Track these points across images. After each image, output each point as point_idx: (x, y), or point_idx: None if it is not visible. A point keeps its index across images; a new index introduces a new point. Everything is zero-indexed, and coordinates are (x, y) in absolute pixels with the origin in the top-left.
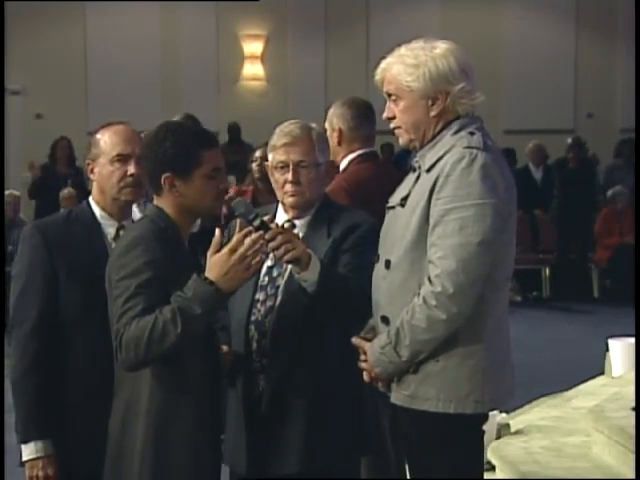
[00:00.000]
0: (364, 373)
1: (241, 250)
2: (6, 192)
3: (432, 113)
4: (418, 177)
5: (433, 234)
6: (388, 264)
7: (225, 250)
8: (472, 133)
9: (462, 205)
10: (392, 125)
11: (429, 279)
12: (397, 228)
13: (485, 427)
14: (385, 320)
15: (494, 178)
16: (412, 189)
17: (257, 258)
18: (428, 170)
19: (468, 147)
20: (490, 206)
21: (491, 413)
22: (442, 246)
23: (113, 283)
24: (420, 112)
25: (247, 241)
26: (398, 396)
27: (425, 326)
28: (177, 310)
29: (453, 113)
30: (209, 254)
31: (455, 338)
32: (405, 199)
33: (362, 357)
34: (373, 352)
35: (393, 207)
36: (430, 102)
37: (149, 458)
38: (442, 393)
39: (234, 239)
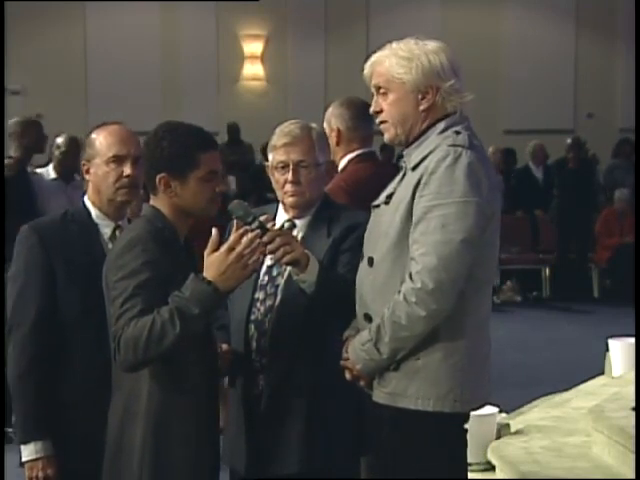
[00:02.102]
0: (346, 372)
1: (238, 249)
2: None
3: (421, 107)
4: (404, 175)
5: (415, 231)
6: (371, 261)
7: (222, 249)
8: (458, 132)
9: (445, 202)
10: (378, 120)
11: (410, 275)
12: (381, 226)
13: (485, 427)
14: (368, 317)
15: (478, 177)
16: (397, 187)
17: (254, 257)
18: (413, 168)
19: (453, 145)
20: (473, 204)
21: (491, 413)
22: (424, 243)
23: (111, 284)
24: (409, 105)
25: (244, 240)
26: (379, 394)
27: (405, 323)
28: (175, 310)
29: (442, 110)
30: (206, 253)
31: (436, 336)
32: (390, 197)
33: (344, 355)
34: (354, 349)
35: (378, 206)
36: (420, 96)
37: (148, 457)
38: (422, 391)
39: (231, 238)
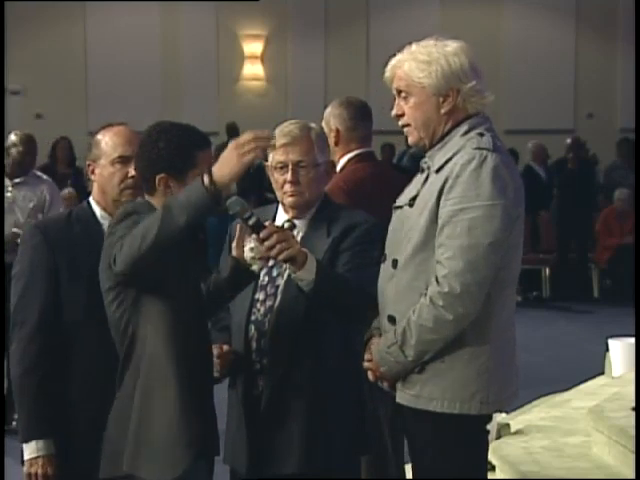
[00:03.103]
0: (369, 373)
1: (241, 138)
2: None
3: (442, 110)
4: (427, 178)
5: (441, 234)
6: (395, 264)
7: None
8: (481, 134)
9: (471, 206)
10: (401, 123)
11: (436, 279)
12: (405, 228)
13: None
14: (392, 319)
15: (504, 179)
16: (421, 189)
17: (254, 147)
18: (437, 171)
19: (478, 148)
20: (499, 207)
21: None
22: (450, 246)
23: (105, 273)
24: (430, 109)
25: (250, 133)
26: (403, 396)
27: (432, 326)
28: (162, 206)
29: (463, 112)
30: None
31: (461, 338)
32: (414, 199)
33: (367, 356)
34: (379, 351)
35: (401, 207)
36: (441, 99)
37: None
38: (448, 393)
39: (243, 135)
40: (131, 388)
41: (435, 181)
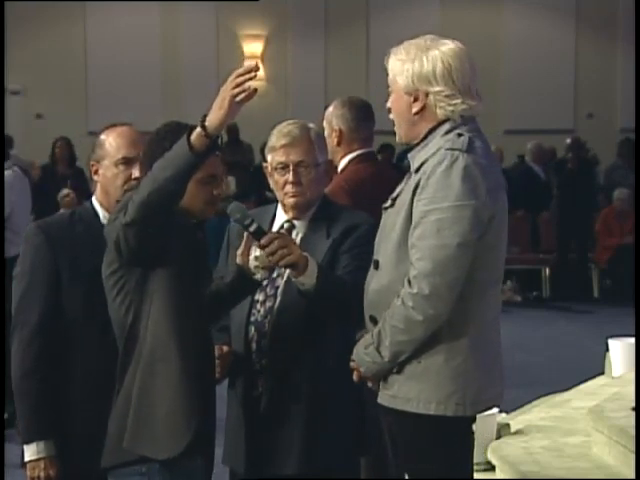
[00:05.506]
0: (354, 373)
1: (227, 83)
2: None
3: (413, 110)
4: (409, 178)
5: (413, 235)
6: (377, 264)
7: None
8: (460, 135)
9: (440, 207)
10: (390, 116)
11: (408, 280)
12: (386, 228)
13: (485, 427)
14: (373, 320)
15: (475, 180)
16: (402, 189)
17: (240, 87)
18: (416, 171)
19: (450, 149)
20: (469, 208)
21: (491, 413)
22: (420, 247)
23: (107, 257)
24: (402, 107)
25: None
26: (383, 396)
27: (403, 327)
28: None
29: (434, 116)
30: None
31: (437, 339)
32: (395, 200)
33: (353, 357)
34: (357, 352)
35: (387, 208)
36: (412, 99)
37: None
38: (423, 394)
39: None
40: (133, 375)
41: (412, 181)
